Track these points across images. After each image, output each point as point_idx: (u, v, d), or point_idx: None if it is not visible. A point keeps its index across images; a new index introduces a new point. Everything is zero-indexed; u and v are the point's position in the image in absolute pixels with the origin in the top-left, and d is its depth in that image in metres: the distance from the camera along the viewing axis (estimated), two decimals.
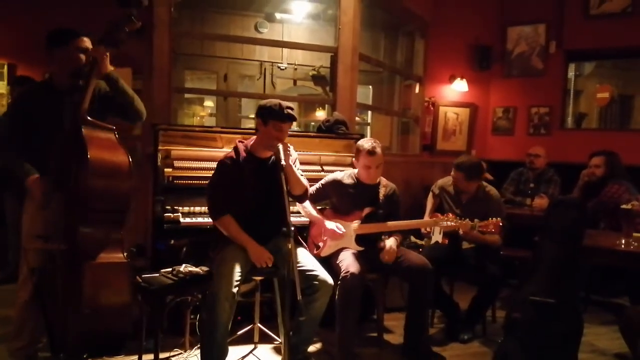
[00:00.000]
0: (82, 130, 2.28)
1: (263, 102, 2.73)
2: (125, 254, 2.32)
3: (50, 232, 2.34)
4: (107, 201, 2.28)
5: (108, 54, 2.42)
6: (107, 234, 2.29)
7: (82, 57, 2.49)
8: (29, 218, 2.55)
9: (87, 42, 2.52)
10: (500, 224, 3.11)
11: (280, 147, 2.63)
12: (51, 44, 2.51)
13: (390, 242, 3.04)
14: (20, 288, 2.57)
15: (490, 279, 3.34)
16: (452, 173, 3.53)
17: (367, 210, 3.09)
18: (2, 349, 2.88)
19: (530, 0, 5.67)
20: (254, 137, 2.82)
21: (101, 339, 2.27)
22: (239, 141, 2.80)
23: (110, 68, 2.49)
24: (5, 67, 4.49)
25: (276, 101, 2.67)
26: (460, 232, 3.18)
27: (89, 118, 2.34)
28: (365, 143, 3.06)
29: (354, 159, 3.17)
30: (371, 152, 3.01)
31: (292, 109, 2.66)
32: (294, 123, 2.78)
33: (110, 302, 2.24)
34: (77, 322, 2.18)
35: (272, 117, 2.62)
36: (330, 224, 3.05)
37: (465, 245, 3.48)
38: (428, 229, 3.38)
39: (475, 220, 3.15)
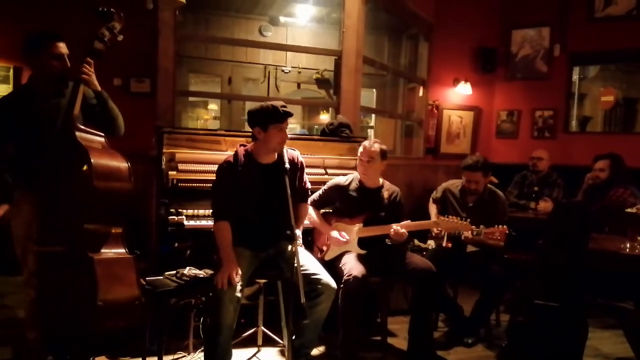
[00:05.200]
0: (77, 136, 2.32)
1: (253, 109, 2.64)
2: (127, 250, 2.36)
3: (45, 234, 2.36)
4: (110, 202, 2.32)
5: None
6: (108, 231, 2.33)
7: (57, 63, 2.49)
8: (22, 223, 2.54)
9: (61, 48, 2.50)
10: (506, 232, 3.10)
11: (283, 149, 2.63)
12: (24, 53, 2.50)
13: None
14: (26, 286, 2.58)
15: (493, 281, 3.33)
16: (469, 177, 3.47)
17: (368, 214, 3.10)
18: (6, 351, 2.90)
19: (534, 3, 5.68)
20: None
21: (112, 333, 2.30)
22: (241, 145, 2.80)
23: (98, 88, 2.53)
24: (11, 70, 4.51)
25: (267, 104, 2.61)
26: (463, 237, 3.17)
27: (80, 125, 2.38)
28: (367, 141, 3.17)
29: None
30: (365, 146, 3.11)
31: (285, 105, 2.62)
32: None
33: (120, 294, 2.25)
34: (89, 317, 2.19)
35: (271, 121, 2.57)
36: (333, 233, 3.07)
37: (470, 248, 3.47)
38: (437, 230, 3.37)
39: (481, 226, 3.14)
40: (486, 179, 3.50)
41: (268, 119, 2.57)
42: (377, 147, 3.08)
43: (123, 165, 2.38)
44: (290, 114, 2.62)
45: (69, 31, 2.63)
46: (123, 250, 2.35)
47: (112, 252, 2.30)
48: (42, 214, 2.39)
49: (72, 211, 2.29)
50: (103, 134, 2.47)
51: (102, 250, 2.27)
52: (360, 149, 3.14)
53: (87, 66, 2.45)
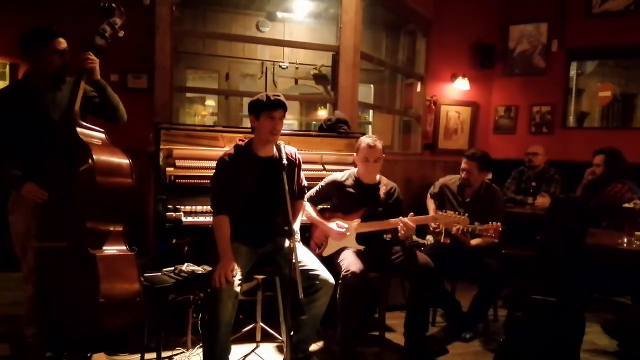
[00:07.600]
0: (78, 132, 2.31)
1: (251, 99, 2.74)
2: (128, 247, 2.35)
3: (45, 230, 2.36)
4: (111, 198, 2.32)
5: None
6: (109, 227, 2.32)
7: (57, 58, 2.48)
8: (22, 219, 2.53)
9: (62, 44, 2.49)
10: (500, 228, 3.10)
11: (281, 145, 2.64)
12: (24, 49, 2.49)
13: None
14: (25, 282, 2.58)
15: (491, 276, 3.33)
16: (464, 165, 3.52)
17: (366, 210, 3.10)
18: (5, 347, 2.90)
19: None
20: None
21: (114, 329, 2.29)
22: (240, 140, 2.81)
23: (98, 77, 2.52)
24: (7, 66, 4.49)
25: (262, 93, 2.69)
26: (452, 231, 3.17)
27: (81, 121, 2.37)
28: (366, 138, 3.13)
29: (355, 154, 3.18)
30: (371, 145, 3.06)
31: (279, 95, 2.67)
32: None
33: (122, 291, 2.25)
34: (91, 313, 2.18)
35: (262, 109, 2.63)
36: (331, 224, 3.06)
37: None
38: (434, 225, 3.37)
39: (476, 223, 3.15)
40: (481, 174, 3.51)
41: (259, 107, 2.64)
42: (381, 145, 3.08)
43: (124, 161, 2.38)
44: (280, 103, 2.64)
45: (67, 27, 2.60)
46: (124, 247, 2.34)
47: (114, 249, 2.30)
48: (43, 209, 2.39)
49: (73, 207, 2.28)
50: (103, 130, 2.45)
51: (104, 247, 2.27)
52: (364, 147, 3.07)
53: (90, 56, 2.43)
